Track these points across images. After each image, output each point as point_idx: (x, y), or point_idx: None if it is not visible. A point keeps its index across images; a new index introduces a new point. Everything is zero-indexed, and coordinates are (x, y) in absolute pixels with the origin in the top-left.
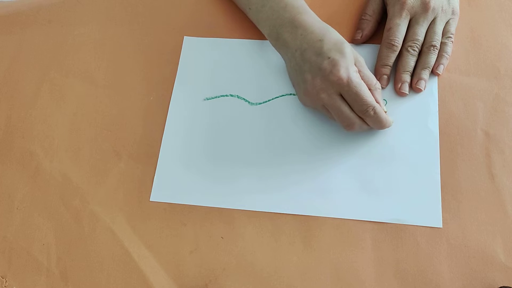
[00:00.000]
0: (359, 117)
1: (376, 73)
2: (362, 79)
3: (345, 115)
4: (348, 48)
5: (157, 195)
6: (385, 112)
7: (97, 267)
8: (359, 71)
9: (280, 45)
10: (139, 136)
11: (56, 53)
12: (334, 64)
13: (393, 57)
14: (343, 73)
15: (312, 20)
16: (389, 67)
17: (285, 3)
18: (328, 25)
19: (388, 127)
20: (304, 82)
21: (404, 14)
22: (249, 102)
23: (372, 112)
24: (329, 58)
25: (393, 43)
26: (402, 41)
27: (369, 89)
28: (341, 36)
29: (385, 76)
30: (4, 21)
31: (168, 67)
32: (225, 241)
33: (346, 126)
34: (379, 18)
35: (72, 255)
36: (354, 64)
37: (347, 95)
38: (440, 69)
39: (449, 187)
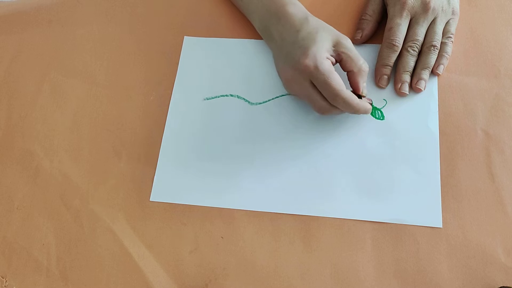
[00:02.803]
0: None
1: (377, 73)
2: (344, 61)
3: (316, 103)
4: (323, 35)
5: (157, 195)
6: (364, 96)
7: (97, 267)
8: (341, 53)
9: (267, 37)
10: (139, 136)
11: (56, 53)
12: (302, 52)
13: (393, 57)
14: (309, 61)
15: (295, 11)
16: (389, 67)
17: None
18: (310, 15)
19: (364, 113)
20: (281, 71)
21: (404, 14)
22: (249, 102)
23: (341, 101)
24: (299, 47)
25: (394, 43)
26: (402, 41)
27: (352, 71)
28: (322, 23)
29: (385, 76)
30: (4, 21)
31: (168, 67)
32: (225, 241)
33: (319, 112)
34: (379, 18)
35: (72, 255)
36: (329, 49)
37: (316, 83)
38: (440, 69)
39: (449, 187)
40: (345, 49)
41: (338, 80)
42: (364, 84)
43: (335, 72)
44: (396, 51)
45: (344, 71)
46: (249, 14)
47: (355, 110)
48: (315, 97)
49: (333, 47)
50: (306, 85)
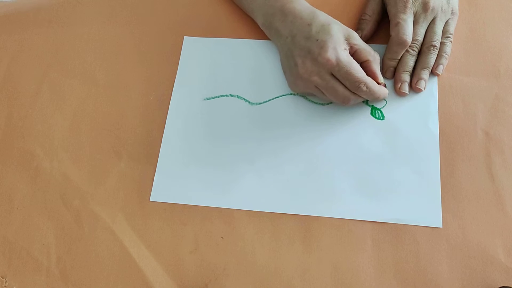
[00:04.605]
0: (353, 92)
1: (384, 65)
2: (358, 52)
3: (339, 93)
4: (336, 27)
5: (157, 195)
6: (382, 83)
7: (97, 267)
8: (354, 45)
9: (272, 33)
10: (139, 136)
11: (56, 53)
12: (322, 46)
13: (401, 52)
14: (331, 54)
15: (301, 7)
16: (396, 60)
17: None
18: (316, 10)
19: (384, 98)
20: (295, 66)
21: (408, 10)
22: (249, 102)
23: (364, 88)
24: (317, 40)
25: (404, 37)
26: (412, 37)
27: (367, 60)
28: (330, 17)
29: (392, 69)
30: (4, 21)
31: (168, 67)
32: (225, 241)
33: (342, 103)
34: (379, 18)
35: (72, 255)
36: (344, 41)
37: (338, 74)
38: (440, 69)
39: (449, 187)
40: (356, 41)
41: (359, 69)
42: (380, 72)
43: (355, 61)
44: (406, 46)
45: (358, 62)
46: (252, 12)
47: (376, 96)
48: (338, 88)
49: (346, 40)
50: (327, 78)
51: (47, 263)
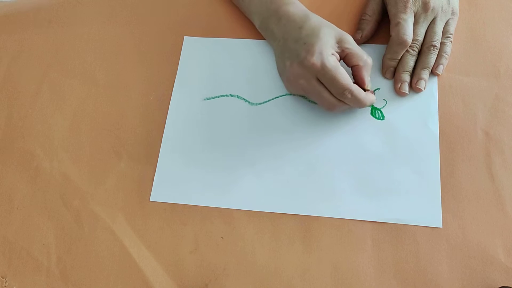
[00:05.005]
0: (339, 99)
1: (384, 65)
2: (349, 56)
3: (324, 99)
4: (326, 30)
5: (157, 195)
6: (369, 90)
7: (97, 267)
8: (345, 49)
9: (268, 36)
10: (139, 136)
11: (56, 53)
12: (308, 50)
13: (402, 52)
14: (316, 58)
15: (295, 9)
16: (396, 60)
17: None
18: (310, 13)
19: (370, 105)
20: (285, 69)
21: (408, 10)
22: (249, 102)
23: (349, 95)
24: (304, 44)
25: (404, 37)
26: (412, 37)
27: (357, 65)
28: (323, 21)
29: (392, 69)
30: (4, 21)
31: (168, 67)
32: (225, 241)
33: (327, 109)
34: (379, 18)
35: (72, 255)
36: (333, 45)
37: (323, 80)
38: (440, 69)
39: (449, 187)
40: (348, 45)
41: (345, 75)
42: (369, 78)
43: (341, 67)
44: (406, 46)
45: (349, 66)
46: (250, 14)
47: (362, 104)
48: (323, 94)
49: (337, 43)
50: (313, 82)
51: (47, 263)
